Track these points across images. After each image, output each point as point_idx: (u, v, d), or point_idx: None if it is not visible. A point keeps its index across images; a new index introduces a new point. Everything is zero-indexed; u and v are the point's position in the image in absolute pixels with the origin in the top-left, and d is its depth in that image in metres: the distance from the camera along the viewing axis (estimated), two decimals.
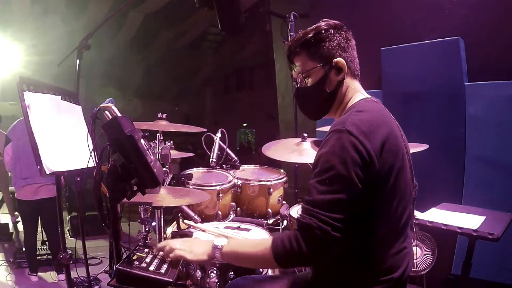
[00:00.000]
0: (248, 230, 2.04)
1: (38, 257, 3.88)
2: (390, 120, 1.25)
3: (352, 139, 1.09)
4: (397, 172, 1.16)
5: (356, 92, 1.33)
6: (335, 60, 1.28)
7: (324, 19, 1.34)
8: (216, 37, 10.24)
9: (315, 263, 1.22)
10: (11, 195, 5.71)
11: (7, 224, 5.19)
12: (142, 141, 1.33)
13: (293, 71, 1.39)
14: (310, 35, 1.30)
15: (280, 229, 2.40)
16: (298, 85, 1.39)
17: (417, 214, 1.90)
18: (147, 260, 1.34)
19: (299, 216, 1.14)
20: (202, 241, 1.36)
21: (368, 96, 1.33)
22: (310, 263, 1.24)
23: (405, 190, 1.22)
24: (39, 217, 3.73)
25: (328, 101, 1.33)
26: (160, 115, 2.48)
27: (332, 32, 1.29)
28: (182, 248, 1.31)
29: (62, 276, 3.62)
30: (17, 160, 3.54)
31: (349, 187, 1.08)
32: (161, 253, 1.36)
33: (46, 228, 3.77)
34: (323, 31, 1.30)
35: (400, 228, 1.21)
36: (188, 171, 2.60)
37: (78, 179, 2.80)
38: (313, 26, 1.33)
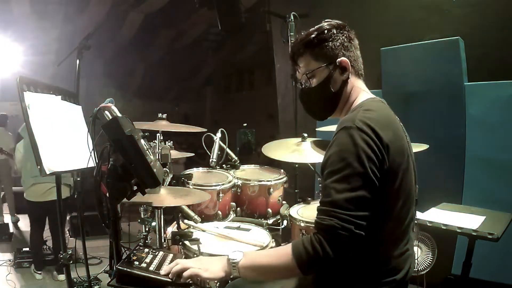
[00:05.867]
0: (248, 230, 2.04)
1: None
2: (396, 121, 1.25)
3: (364, 136, 1.09)
4: (403, 172, 1.15)
5: (361, 91, 1.33)
6: (338, 59, 1.28)
7: (326, 20, 1.34)
8: (216, 37, 10.23)
9: (339, 265, 1.14)
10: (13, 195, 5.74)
11: (7, 224, 5.20)
12: (142, 141, 1.33)
13: (297, 72, 1.39)
14: (313, 36, 1.31)
15: (280, 229, 2.40)
16: (303, 86, 1.38)
17: (417, 214, 1.90)
18: (147, 260, 1.33)
19: (317, 218, 1.10)
20: (214, 257, 1.30)
21: (374, 96, 1.33)
22: (334, 266, 1.15)
23: (410, 192, 1.21)
24: (47, 218, 3.75)
25: (333, 101, 1.33)
26: (160, 115, 2.48)
27: (335, 32, 1.30)
28: (196, 266, 1.23)
29: (63, 276, 3.63)
30: (28, 158, 3.56)
31: (367, 183, 1.07)
32: (171, 274, 1.24)
33: (53, 228, 3.78)
34: (325, 31, 1.30)
35: (403, 229, 1.21)
36: (188, 171, 2.60)
37: (78, 179, 2.81)
38: (316, 26, 1.33)
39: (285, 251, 1.12)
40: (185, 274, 1.21)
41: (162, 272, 1.27)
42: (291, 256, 1.09)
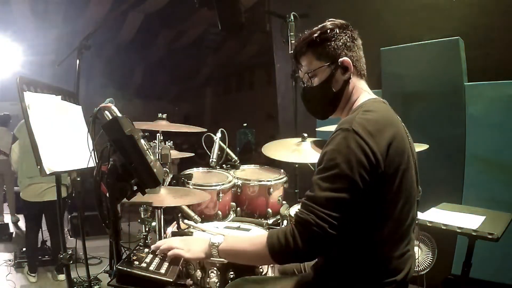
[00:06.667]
0: (248, 230, 2.04)
1: (39, 257, 3.88)
2: (397, 121, 1.25)
3: (358, 140, 1.09)
4: (402, 173, 1.15)
5: (363, 91, 1.33)
6: (341, 59, 1.28)
7: (330, 19, 1.34)
8: (216, 37, 10.23)
9: (310, 259, 1.24)
10: (14, 195, 5.75)
11: (7, 224, 5.20)
12: (142, 141, 1.33)
13: (299, 71, 1.39)
14: (315, 35, 1.30)
15: None
16: (305, 85, 1.38)
17: (417, 214, 1.90)
18: (147, 260, 1.33)
19: (297, 210, 1.14)
20: (200, 239, 1.37)
21: (375, 96, 1.33)
22: (305, 259, 1.26)
23: (410, 192, 1.21)
24: (45, 218, 3.74)
25: (335, 101, 1.33)
26: (160, 115, 2.48)
27: (338, 31, 1.29)
28: (180, 246, 1.32)
29: (62, 276, 3.62)
30: (24, 159, 3.55)
31: (351, 187, 1.08)
32: (158, 251, 1.36)
33: (50, 229, 3.78)
34: (328, 31, 1.30)
35: (404, 230, 1.21)
36: (188, 171, 2.60)
37: (78, 179, 2.81)
38: (319, 25, 1.33)
39: (260, 240, 1.18)
40: (169, 253, 1.32)
41: (152, 248, 1.37)
42: (265, 245, 1.15)
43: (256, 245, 1.20)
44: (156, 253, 1.35)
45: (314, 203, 1.09)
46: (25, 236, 3.84)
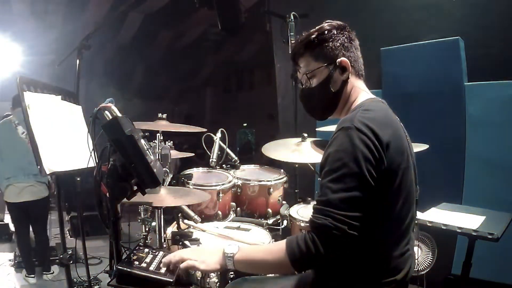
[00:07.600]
0: (248, 230, 2.04)
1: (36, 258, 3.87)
2: (395, 120, 1.26)
3: (362, 136, 1.09)
4: (402, 172, 1.15)
5: (361, 91, 1.33)
6: (338, 60, 1.29)
7: (327, 20, 1.35)
8: (216, 37, 10.21)
9: (337, 264, 1.18)
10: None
11: (7, 224, 5.19)
12: (142, 141, 1.33)
13: (298, 72, 1.40)
14: (313, 36, 1.31)
15: (280, 229, 2.40)
16: (303, 86, 1.39)
17: (417, 214, 1.90)
18: (147, 260, 1.33)
19: (312, 217, 1.12)
20: (212, 250, 1.31)
21: (374, 96, 1.33)
22: (327, 264, 1.20)
23: (410, 191, 1.21)
24: (29, 218, 3.70)
25: (333, 101, 1.33)
26: (160, 115, 2.48)
27: (335, 32, 1.30)
28: (193, 258, 1.27)
29: (49, 276, 3.65)
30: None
31: (363, 184, 1.07)
32: (171, 265, 1.29)
33: (34, 228, 3.75)
34: (326, 32, 1.31)
35: (404, 229, 1.21)
36: (188, 171, 2.60)
37: (78, 179, 2.81)
38: (317, 27, 1.34)
39: (279, 248, 1.15)
40: (182, 265, 1.26)
41: (162, 263, 1.30)
42: (285, 253, 1.12)
43: (274, 253, 1.16)
44: (171, 267, 1.29)
45: (328, 207, 1.07)
46: (16, 239, 3.80)
